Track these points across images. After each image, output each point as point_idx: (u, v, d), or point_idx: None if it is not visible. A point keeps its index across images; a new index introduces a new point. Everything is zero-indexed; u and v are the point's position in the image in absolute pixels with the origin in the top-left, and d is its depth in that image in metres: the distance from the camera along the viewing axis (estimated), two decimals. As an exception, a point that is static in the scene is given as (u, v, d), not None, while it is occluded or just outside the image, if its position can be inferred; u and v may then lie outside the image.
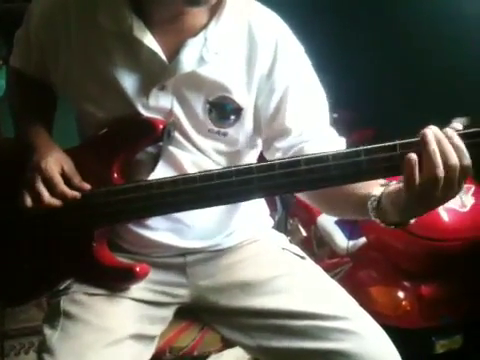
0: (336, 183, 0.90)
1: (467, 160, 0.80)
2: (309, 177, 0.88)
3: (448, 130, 0.81)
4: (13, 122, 1.16)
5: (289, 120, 1.03)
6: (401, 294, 1.57)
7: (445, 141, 0.80)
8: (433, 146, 0.79)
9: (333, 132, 1.08)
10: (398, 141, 0.84)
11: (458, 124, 0.82)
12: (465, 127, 0.82)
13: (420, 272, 1.57)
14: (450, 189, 0.80)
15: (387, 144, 0.85)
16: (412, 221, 0.89)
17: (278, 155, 1.05)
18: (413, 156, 0.80)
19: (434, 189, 0.80)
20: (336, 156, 0.87)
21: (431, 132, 0.81)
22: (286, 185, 0.91)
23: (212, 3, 0.92)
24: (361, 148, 0.86)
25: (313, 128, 1.04)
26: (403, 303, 1.55)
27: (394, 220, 0.89)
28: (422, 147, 0.80)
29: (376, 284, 1.63)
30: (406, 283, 1.58)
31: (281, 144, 1.04)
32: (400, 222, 0.89)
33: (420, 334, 1.56)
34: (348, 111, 2.33)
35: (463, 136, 0.81)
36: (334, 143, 1.03)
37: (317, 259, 1.25)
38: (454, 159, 0.79)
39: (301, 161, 0.88)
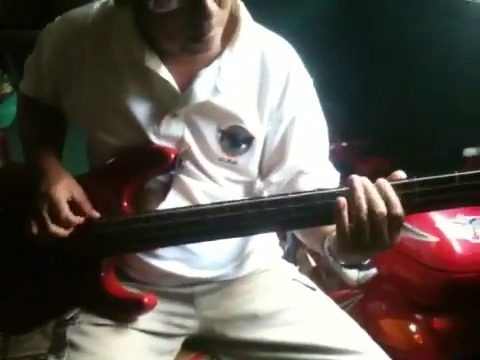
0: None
1: (396, 210, 0.80)
2: (323, 212, 0.87)
3: (380, 180, 0.82)
4: (23, 148, 1.16)
5: (291, 152, 1.04)
6: (413, 327, 1.53)
7: (372, 189, 0.81)
8: (359, 192, 0.81)
9: (330, 167, 1.09)
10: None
11: (402, 173, 0.84)
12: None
13: (433, 305, 1.53)
14: (379, 238, 0.82)
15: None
16: (366, 262, 0.93)
17: (272, 189, 1.06)
18: (342, 199, 0.82)
19: (361, 235, 0.81)
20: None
21: (358, 179, 0.83)
22: (299, 219, 0.89)
23: (211, 49, 0.92)
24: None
25: (311, 162, 1.05)
26: (415, 337, 1.51)
27: (340, 260, 0.92)
28: (349, 193, 0.82)
29: (387, 317, 1.59)
30: (418, 316, 1.54)
31: (275, 178, 1.05)
32: (347, 264, 0.93)
33: (434, 369, 1.52)
34: (359, 140, 2.33)
35: (404, 186, 0.81)
36: (328, 179, 1.05)
37: (326, 290, 1.22)
38: (380, 208, 0.80)
39: (315, 196, 0.87)
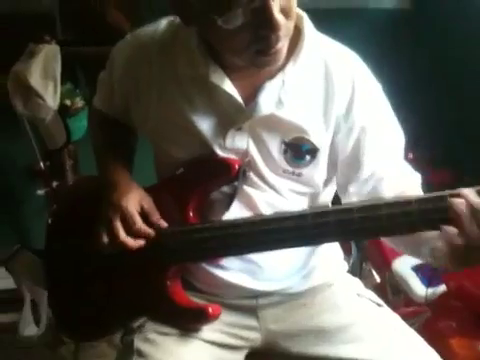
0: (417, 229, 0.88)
1: None
2: (390, 222, 0.85)
3: None
4: (96, 161, 1.19)
5: (366, 162, 1.02)
6: (484, 347, 1.47)
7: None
8: (466, 214, 0.80)
9: (408, 167, 1.06)
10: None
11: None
12: None
13: (504, 324, 1.47)
14: None
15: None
16: None
17: (354, 199, 1.04)
18: (459, 200, 0.81)
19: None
20: (420, 200, 0.85)
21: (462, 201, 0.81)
22: (364, 230, 0.88)
23: (279, 61, 0.92)
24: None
25: (387, 166, 1.03)
26: (486, 357, 1.46)
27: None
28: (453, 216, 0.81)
29: (457, 335, 1.53)
30: (489, 335, 1.49)
31: (354, 188, 1.04)
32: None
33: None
34: (426, 151, 2.28)
35: None
36: (409, 179, 1.04)
37: (392, 307, 1.19)
38: None
39: (382, 206, 0.86)
